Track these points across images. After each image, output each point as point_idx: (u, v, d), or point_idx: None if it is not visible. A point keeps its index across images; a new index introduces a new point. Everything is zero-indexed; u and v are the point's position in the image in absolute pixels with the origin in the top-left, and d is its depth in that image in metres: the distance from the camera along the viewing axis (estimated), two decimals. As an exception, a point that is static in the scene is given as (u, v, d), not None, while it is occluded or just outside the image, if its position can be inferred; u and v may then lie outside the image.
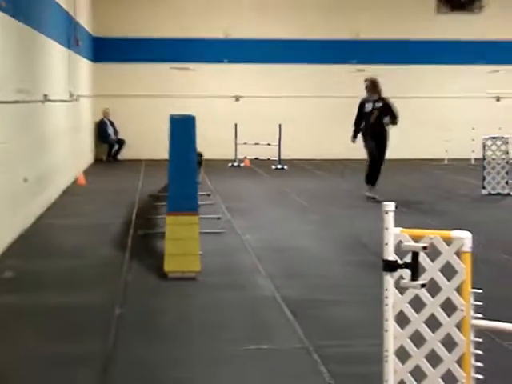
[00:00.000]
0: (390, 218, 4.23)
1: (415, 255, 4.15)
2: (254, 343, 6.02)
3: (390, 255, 4.23)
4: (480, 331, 4.22)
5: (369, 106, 14.79)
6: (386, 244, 4.22)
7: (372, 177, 14.87)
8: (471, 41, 24.60)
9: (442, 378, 4.23)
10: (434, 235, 4.22)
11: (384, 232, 4.24)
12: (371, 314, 6.58)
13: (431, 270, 4.22)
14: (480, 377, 4.18)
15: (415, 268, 4.14)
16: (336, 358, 5.67)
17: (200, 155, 16.33)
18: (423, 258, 4.21)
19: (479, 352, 4.18)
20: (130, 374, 5.45)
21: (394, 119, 14.66)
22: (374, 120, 14.68)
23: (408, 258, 4.21)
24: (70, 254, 9.55)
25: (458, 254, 4.17)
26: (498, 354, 5.67)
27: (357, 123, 15.03)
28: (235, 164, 21.80)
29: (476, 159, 20.82)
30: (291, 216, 12.60)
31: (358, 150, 24.90)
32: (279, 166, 20.69)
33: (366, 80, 15.23)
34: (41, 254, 9.65)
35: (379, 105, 14.69)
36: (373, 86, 14.93)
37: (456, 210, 13.24)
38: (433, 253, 4.18)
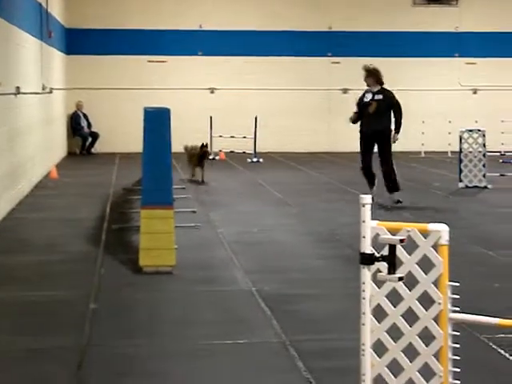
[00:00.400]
0: (366, 211, 4.18)
1: (392, 248, 4.10)
2: (230, 338, 5.96)
3: (367, 248, 4.17)
4: (457, 324, 4.18)
5: (368, 97, 12.87)
6: (364, 237, 4.17)
7: (389, 186, 12.72)
8: (447, 33, 24.64)
9: (420, 371, 4.19)
10: (411, 228, 4.17)
11: (361, 225, 4.19)
12: (348, 308, 6.55)
13: (408, 263, 4.17)
14: (457, 370, 4.15)
15: (392, 261, 4.09)
16: (313, 353, 5.63)
17: (203, 146, 16.21)
18: (400, 251, 4.16)
19: (457, 345, 4.15)
20: (105, 368, 5.38)
21: (396, 115, 12.72)
22: (373, 112, 12.63)
23: (385, 251, 4.16)
24: (43, 249, 9.44)
25: (436, 246, 4.13)
26: (475, 347, 5.64)
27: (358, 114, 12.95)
28: (210, 157, 21.68)
29: (453, 152, 20.88)
30: (267, 209, 12.54)
31: (336, 144, 24.90)
32: (255, 159, 20.62)
33: (364, 69, 13.22)
34: (13, 248, 9.53)
35: (379, 97, 12.80)
36: (371, 75, 13.04)
37: (433, 203, 13.24)
38: (410, 246, 4.13)
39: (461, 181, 15.28)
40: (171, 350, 5.75)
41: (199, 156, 16.15)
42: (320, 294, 7.33)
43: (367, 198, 4.18)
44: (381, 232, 4.22)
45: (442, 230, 4.11)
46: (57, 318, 6.59)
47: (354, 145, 23.83)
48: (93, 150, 23.21)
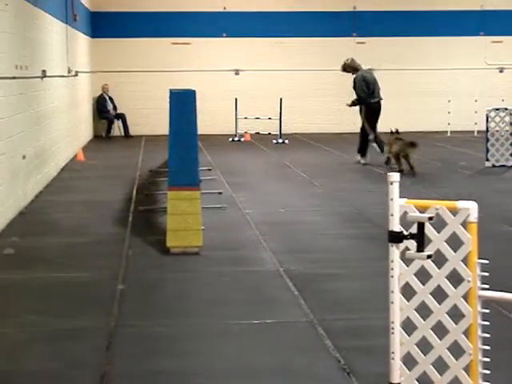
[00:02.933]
0: (394, 189, 4.16)
1: (421, 226, 4.08)
2: (258, 317, 5.98)
3: (396, 226, 4.16)
4: (485, 302, 4.17)
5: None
6: (392, 215, 4.15)
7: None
8: (472, 11, 24.40)
9: (449, 349, 4.18)
10: (439, 205, 4.15)
11: (389, 203, 4.17)
12: (375, 287, 6.55)
13: (437, 240, 4.16)
14: (487, 348, 4.13)
15: (421, 239, 4.07)
16: (341, 332, 5.63)
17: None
18: (429, 229, 4.15)
19: (486, 323, 4.13)
20: (133, 348, 5.42)
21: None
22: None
23: (413, 229, 4.15)
24: (71, 231, 9.50)
25: (464, 224, 4.11)
26: (504, 325, 5.62)
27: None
28: (236, 139, 21.71)
29: (479, 131, 20.75)
30: (293, 190, 12.54)
31: (358, 124, 24.89)
32: (280, 141, 20.59)
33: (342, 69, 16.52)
34: (41, 231, 9.60)
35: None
36: (347, 71, 16.38)
37: (460, 183, 13.18)
38: (438, 223, 4.11)
39: (487, 160, 15.18)
40: (199, 330, 5.77)
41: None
42: (347, 274, 7.32)
43: (395, 176, 4.16)
44: (409, 210, 4.20)
45: (470, 208, 4.08)
46: (85, 299, 6.63)
47: (380, 125, 23.73)
48: (112, 133, 23.18)
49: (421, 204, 4.28)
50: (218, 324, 5.89)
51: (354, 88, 16.10)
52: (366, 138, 16.00)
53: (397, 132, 15.14)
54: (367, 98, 15.95)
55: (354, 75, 16.15)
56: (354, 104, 16.36)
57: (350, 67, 16.28)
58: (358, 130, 16.50)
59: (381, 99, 16.16)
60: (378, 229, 9.15)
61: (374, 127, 16.04)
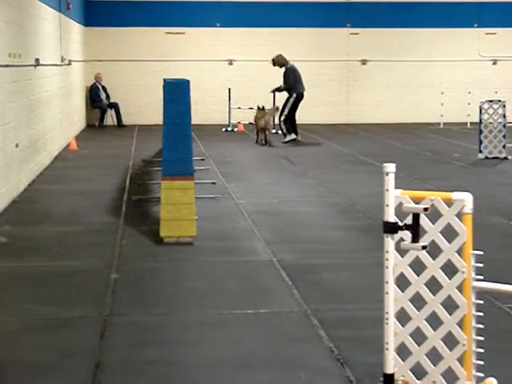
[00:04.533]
0: (390, 180, 4.16)
1: (416, 217, 4.09)
2: (251, 307, 5.98)
3: (391, 217, 4.16)
4: (479, 293, 4.18)
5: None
6: (387, 206, 4.15)
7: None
8: (467, 3, 24.40)
9: (443, 340, 4.19)
10: (434, 196, 4.16)
11: (384, 194, 4.18)
12: (369, 278, 6.57)
13: (432, 231, 4.17)
14: (481, 338, 4.14)
15: (416, 230, 4.08)
16: (335, 322, 5.64)
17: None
18: (424, 220, 4.15)
19: (480, 314, 4.14)
20: (127, 337, 5.41)
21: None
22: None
23: (408, 220, 4.15)
24: (64, 220, 9.48)
25: (459, 215, 4.12)
26: (498, 317, 5.64)
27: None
28: (229, 129, 21.69)
29: (472, 123, 20.77)
30: (287, 181, 12.54)
31: (354, 115, 24.87)
32: (273, 131, 20.56)
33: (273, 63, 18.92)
34: (34, 219, 9.59)
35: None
36: (276, 64, 18.78)
37: (453, 174, 13.19)
38: (433, 214, 4.12)
39: (481, 152, 15.20)
40: (193, 320, 5.77)
41: None
42: (341, 264, 7.33)
43: (390, 167, 4.16)
44: (404, 201, 4.21)
45: (465, 199, 4.09)
46: (79, 288, 6.62)
47: (373, 116, 23.73)
48: (105, 123, 23.11)
49: (416, 195, 4.29)
50: (212, 314, 5.89)
51: (285, 78, 18.38)
52: (293, 119, 18.41)
53: (262, 108, 17.84)
54: (298, 87, 18.35)
55: (284, 68, 18.48)
56: (277, 90, 18.72)
57: (279, 62, 18.67)
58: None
59: (304, 90, 18.58)
60: (371, 220, 9.15)
61: (293, 115, 18.40)
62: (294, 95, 18.39)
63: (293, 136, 18.43)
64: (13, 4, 11.29)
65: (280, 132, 18.90)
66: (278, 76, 23.10)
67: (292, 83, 18.35)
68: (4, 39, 10.53)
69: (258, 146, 17.79)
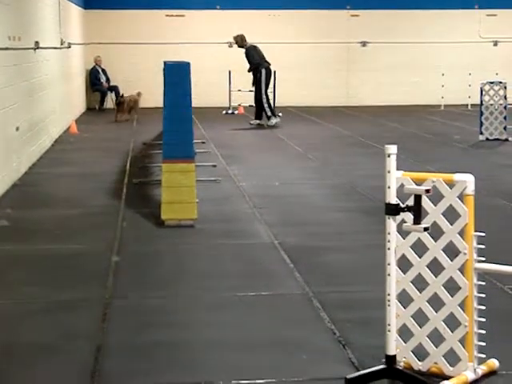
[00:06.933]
0: (392, 161, 4.16)
1: (418, 198, 4.09)
2: (253, 290, 5.98)
3: (393, 199, 4.16)
4: (480, 275, 4.18)
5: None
6: (389, 187, 4.15)
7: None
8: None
9: (445, 321, 4.20)
10: (436, 178, 4.16)
11: (386, 175, 4.17)
12: (370, 260, 6.57)
13: (434, 213, 4.17)
14: (482, 320, 4.15)
15: (418, 211, 4.08)
16: (336, 304, 5.64)
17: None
18: (425, 202, 4.15)
19: (482, 295, 4.15)
20: (128, 319, 5.42)
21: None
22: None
23: (410, 202, 4.15)
24: (65, 203, 9.48)
25: (461, 197, 4.11)
26: (499, 298, 5.64)
27: None
28: (229, 111, 21.64)
29: (473, 105, 20.72)
30: (287, 163, 12.52)
31: (354, 97, 24.83)
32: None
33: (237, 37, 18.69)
34: (35, 203, 9.59)
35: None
36: (236, 43, 18.72)
37: (454, 156, 13.18)
38: (435, 196, 4.11)
39: (481, 133, 15.18)
40: (195, 302, 5.78)
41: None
42: (342, 247, 7.33)
43: (392, 148, 4.16)
44: (406, 182, 4.20)
45: (467, 181, 4.09)
46: (80, 271, 6.63)
47: (373, 98, 23.67)
48: (105, 106, 23.03)
49: (418, 176, 4.29)
50: (214, 296, 5.89)
51: (248, 58, 18.21)
52: (262, 103, 18.06)
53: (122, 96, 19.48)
54: (263, 63, 18.14)
55: (245, 48, 18.33)
56: (251, 71, 18.33)
57: (238, 43, 18.60)
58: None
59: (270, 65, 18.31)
60: (372, 202, 9.15)
61: (266, 92, 18.16)
62: (263, 71, 18.13)
63: (277, 119, 18.25)
64: (12, -14, 11.23)
65: (264, 115, 18.31)
66: (278, 58, 23.14)
67: (256, 60, 18.15)
68: (3, 22, 10.49)
69: (258, 129, 17.76)
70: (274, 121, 18.11)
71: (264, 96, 18.08)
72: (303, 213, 8.85)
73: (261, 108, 18.21)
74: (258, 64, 18.15)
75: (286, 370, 4.52)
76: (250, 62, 18.27)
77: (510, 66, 23.58)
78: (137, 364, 4.65)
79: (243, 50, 18.50)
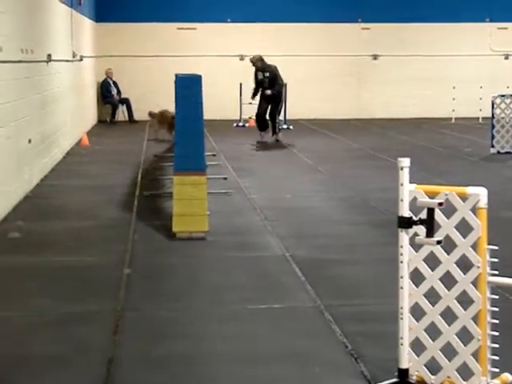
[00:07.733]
0: (404, 174, 4.16)
1: (430, 211, 4.08)
2: (264, 302, 5.98)
3: (405, 212, 4.15)
4: (494, 288, 4.16)
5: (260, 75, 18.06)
6: (401, 200, 4.15)
7: (260, 125, 18.18)
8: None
9: (458, 335, 4.18)
10: (449, 191, 4.15)
11: (399, 188, 4.17)
12: (382, 273, 6.55)
13: (446, 226, 4.15)
14: (495, 334, 4.13)
15: (430, 224, 4.07)
16: (348, 317, 5.63)
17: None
18: (438, 215, 4.14)
19: (495, 309, 4.13)
20: (140, 332, 5.42)
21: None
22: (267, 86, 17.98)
23: (423, 215, 4.14)
24: (77, 215, 9.50)
25: (474, 210, 4.10)
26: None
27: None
28: (240, 124, 21.67)
29: (484, 118, 20.69)
30: (298, 176, 12.53)
31: (365, 110, 24.85)
32: (285, 126, 20.53)
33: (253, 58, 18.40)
34: (46, 215, 9.61)
35: (267, 74, 17.98)
36: (254, 65, 18.24)
37: (465, 169, 13.16)
38: (448, 209, 4.10)
39: (493, 146, 15.16)
40: (206, 314, 5.78)
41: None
42: (353, 259, 7.32)
43: (405, 161, 4.15)
44: (418, 195, 4.20)
45: (480, 194, 4.07)
46: (92, 283, 6.63)
47: (384, 111, 23.68)
48: (117, 118, 23.10)
49: (430, 190, 4.28)
50: (225, 309, 5.89)
51: (276, 76, 17.87)
52: (275, 118, 18.04)
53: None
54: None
55: (271, 68, 17.97)
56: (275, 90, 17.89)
57: (258, 61, 18.15)
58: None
59: None
60: (383, 215, 9.13)
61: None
62: (283, 92, 18.58)
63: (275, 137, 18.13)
64: (25, 0, 11.29)
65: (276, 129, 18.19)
66: (290, 71, 23.20)
67: (281, 80, 18.19)
68: (16, 35, 10.54)
69: (269, 141, 17.78)
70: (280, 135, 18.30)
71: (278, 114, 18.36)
72: (314, 225, 8.85)
73: (274, 123, 18.07)
74: (282, 85, 18.28)
75: (298, 382, 4.51)
76: (278, 81, 17.92)
77: (521, 80, 23.55)
78: (148, 376, 4.65)
79: (256, 68, 18.17)
